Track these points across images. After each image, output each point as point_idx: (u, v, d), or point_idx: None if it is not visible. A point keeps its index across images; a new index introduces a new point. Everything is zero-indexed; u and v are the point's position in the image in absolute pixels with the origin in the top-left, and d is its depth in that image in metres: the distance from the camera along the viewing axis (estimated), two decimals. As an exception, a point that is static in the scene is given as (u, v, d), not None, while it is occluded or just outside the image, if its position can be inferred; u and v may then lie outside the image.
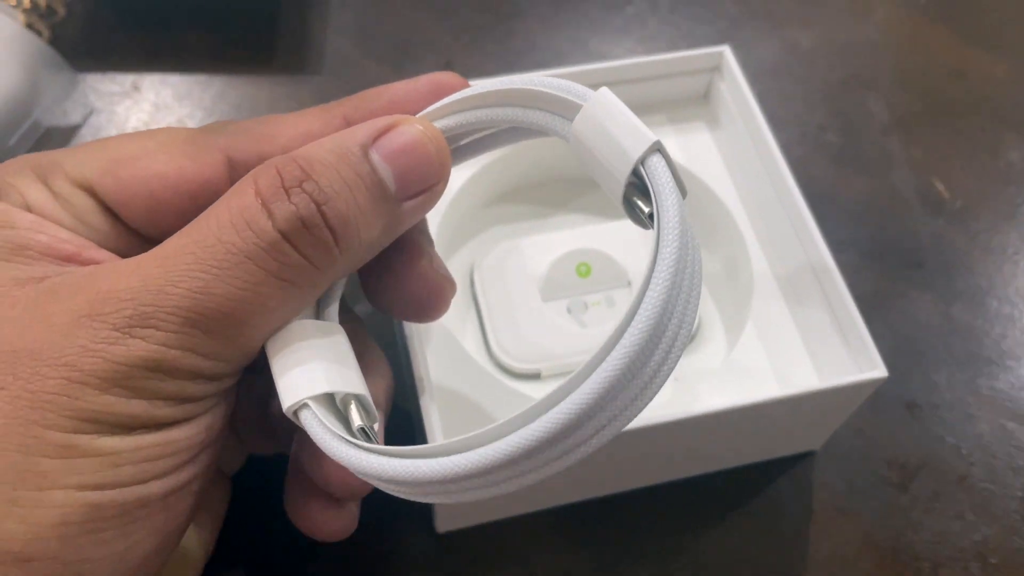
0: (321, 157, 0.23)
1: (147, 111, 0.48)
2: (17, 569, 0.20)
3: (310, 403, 0.23)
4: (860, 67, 0.52)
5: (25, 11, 0.50)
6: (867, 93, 0.51)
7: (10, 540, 0.20)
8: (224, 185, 0.25)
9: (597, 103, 0.23)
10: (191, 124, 0.47)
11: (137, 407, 0.21)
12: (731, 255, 0.39)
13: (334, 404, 0.24)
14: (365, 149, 0.24)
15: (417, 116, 0.26)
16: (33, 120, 0.44)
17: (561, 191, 0.42)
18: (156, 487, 0.22)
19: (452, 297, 0.29)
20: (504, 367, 0.36)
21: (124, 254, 0.25)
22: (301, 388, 0.23)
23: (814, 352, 0.35)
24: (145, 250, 0.23)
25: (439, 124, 0.26)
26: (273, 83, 0.50)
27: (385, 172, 0.24)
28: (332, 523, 0.29)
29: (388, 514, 0.36)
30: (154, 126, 0.47)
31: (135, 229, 0.26)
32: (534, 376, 0.36)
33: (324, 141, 0.24)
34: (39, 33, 0.49)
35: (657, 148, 0.22)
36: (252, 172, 0.23)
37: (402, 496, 0.23)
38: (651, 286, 0.20)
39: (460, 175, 0.38)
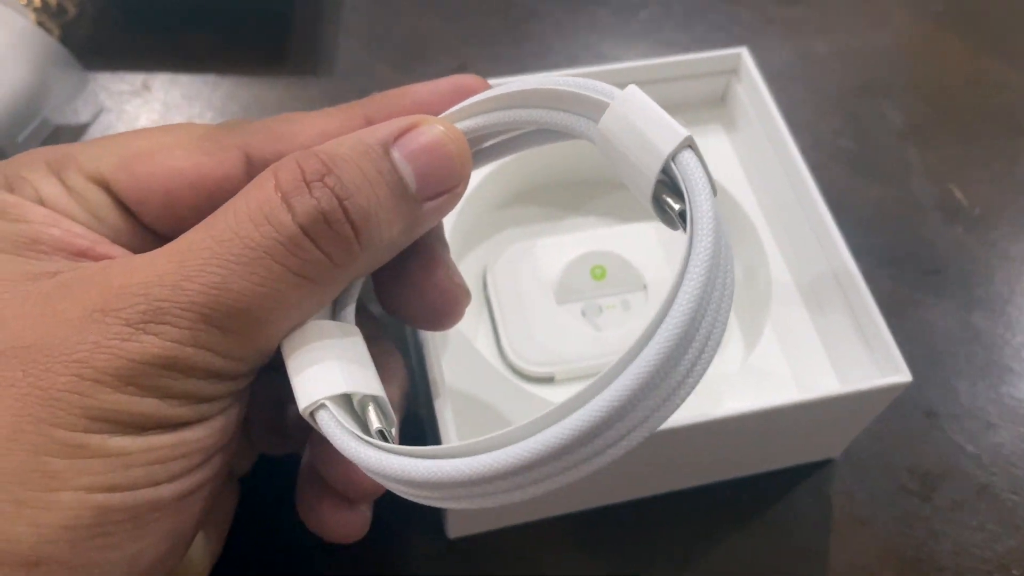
0: (342, 153, 0.23)
1: (157, 111, 0.47)
2: (25, 573, 0.20)
3: (327, 403, 0.22)
4: (875, 74, 0.52)
5: (36, 10, 0.50)
6: (883, 100, 0.50)
7: (18, 543, 0.20)
8: (242, 183, 0.24)
9: (626, 100, 0.23)
10: (201, 124, 0.47)
11: (150, 406, 0.21)
12: (749, 259, 0.38)
13: (351, 406, 0.23)
14: (386, 147, 0.24)
15: (438, 117, 0.26)
16: (42, 118, 0.44)
17: (575, 193, 0.42)
18: (168, 490, 0.22)
19: (467, 306, 0.28)
20: (517, 370, 0.36)
21: (138, 251, 0.24)
22: (318, 388, 0.22)
23: (835, 357, 0.34)
24: (159, 247, 0.23)
25: (460, 126, 0.26)
26: (283, 85, 0.49)
27: (406, 171, 0.24)
28: (345, 525, 0.28)
29: (398, 519, 0.35)
30: (164, 125, 0.47)
31: (149, 226, 0.26)
32: (547, 380, 0.36)
33: (344, 139, 0.24)
34: (49, 32, 0.49)
35: (689, 144, 0.22)
36: (272, 166, 0.23)
37: (420, 500, 0.22)
38: (686, 280, 0.20)
39: (473, 176, 0.37)
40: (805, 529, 0.36)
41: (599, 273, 0.37)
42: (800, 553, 0.36)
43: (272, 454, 0.32)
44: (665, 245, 0.38)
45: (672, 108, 0.40)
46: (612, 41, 0.53)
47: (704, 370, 0.20)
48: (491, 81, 0.27)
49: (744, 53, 0.40)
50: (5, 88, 0.42)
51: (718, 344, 0.21)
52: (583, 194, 0.42)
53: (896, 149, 0.48)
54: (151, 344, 0.20)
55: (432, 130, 0.24)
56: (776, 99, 0.38)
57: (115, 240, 0.25)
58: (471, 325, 0.37)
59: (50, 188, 0.24)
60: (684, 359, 0.20)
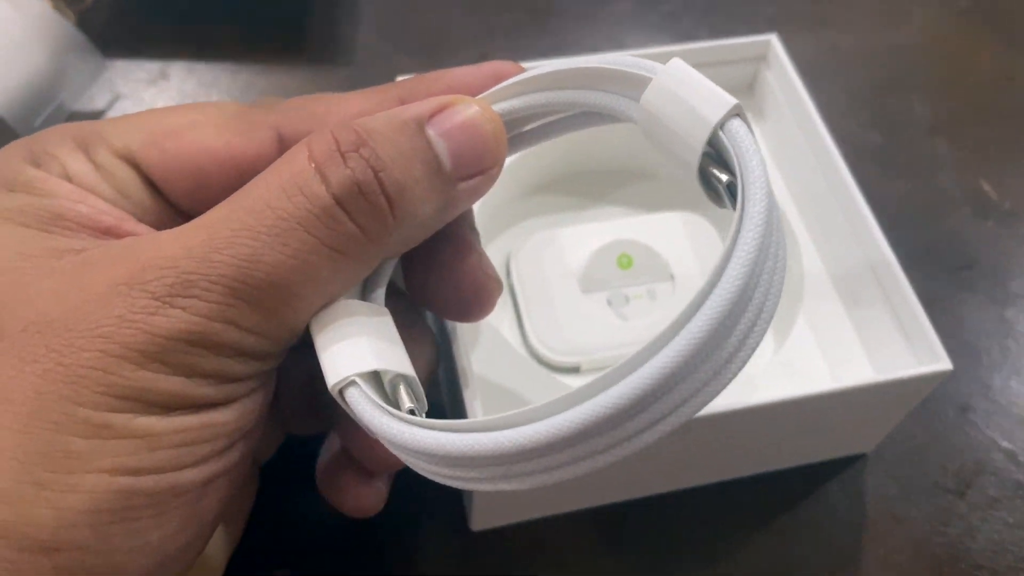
0: (377, 127, 0.22)
1: (174, 99, 0.47)
2: (45, 558, 0.19)
3: (358, 380, 0.21)
4: (901, 69, 0.51)
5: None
6: (909, 95, 0.50)
7: (38, 527, 0.19)
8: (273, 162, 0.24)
9: (670, 73, 0.22)
10: (219, 113, 0.46)
11: (176, 384, 0.20)
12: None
13: (381, 385, 0.22)
14: (421, 123, 0.23)
15: (475, 98, 0.25)
16: (58, 103, 0.43)
17: (600, 183, 0.41)
18: (192, 474, 0.21)
19: (498, 298, 0.28)
20: (543, 360, 0.35)
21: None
22: (348, 364, 0.22)
23: (871, 348, 0.34)
24: None
25: (496, 108, 0.25)
26: (302, 74, 0.49)
27: (441, 148, 0.23)
28: (363, 498, 0.28)
29: (422, 512, 0.35)
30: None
31: (177, 205, 0.25)
32: (574, 370, 0.35)
33: (379, 115, 0.23)
34: (66, 18, 0.48)
35: (737, 112, 0.21)
36: (306, 139, 0.22)
37: (450, 482, 0.21)
38: (738, 246, 0.19)
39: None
40: (837, 527, 0.35)
41: (626, 262, 0.37)
42: (832, 551, 0.35)
43: (302, 435, 0.32)
44: (692, 236, 0.38)
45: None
46: (634, 33, 0.52)
47: (757, 342, 0.19)
48: (529, 65, 0.27)
49: (774, 40, 0.39)
50: (22, 73, 0.42)
51: (771, 317, 0.20)
52: (608, 184, 0.41)
53: (924, 143, 0.48)
54: (178, 319, 0.20)
55: (468, 109, 0.24)
56: (807, 95, 0.37)
57: (142, 219, 0.24)
58: (494, 314, 0.36)
59: (77, 164, 0.24)
60: (737, 328, 0.19)
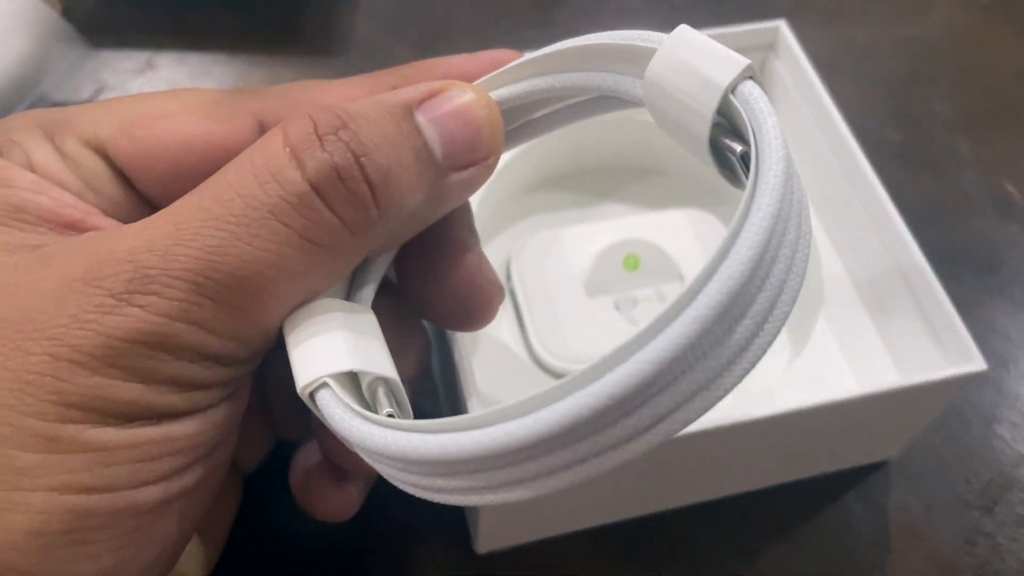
0: (361, 111, 0.20)
1: (161, 89, 0.45)
2: None
3: (330, 382, 0.19)
4: (921, 65, 0.49)
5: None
6: (930, 91, 0.48)
7: None
8: None
9: (675, 41, 0.20)
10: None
11: (134, 392, 0.18)
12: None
13: (359, 389, 0.21)
14: (410, 109, 0.21)
15: (470, 84, 0.23)
16: (40, 93, 0.42)
17: (606, 180, 0.39)
18: (152, 493, 0.19)
19: (499, 304, 0.26)
20: (547, 367, 0.33)
21: None
22: (320, 364, 0.20)
23: (896, 352, 0.32)
24: None
25: (494, 95, 0.24)
26: (297, 64, 0.47)
27: (431, 135, 0.21)
28: (334, 503, 0.27)
29: (424, 534, 0.33)
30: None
31: (150, 198, 0.23)
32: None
33: (364, 100, 0.21)
34: (51, 5, 0.47)
35: (750, 73, 0.19)
36: (282, 123, 0.20)
37: (429, 495, 0.19)
38: (752, 212, 0.17)
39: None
40: (858, 543, 0.34)
41: (632, 263, 0.35)
42: (853, 568, 0.33)
43: (292, 439, 0.30)
44: (702, 235, 0.36)
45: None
46: (643, 26, 0.50)
47: (779, 325, 0.17)
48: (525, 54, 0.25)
49: (782, 26, 0.37)
50: (4, 60, 0.41)
51: (794, 298, 0.17)
52: (614, 180, 0.39)
53: (945, 142, 0.46)
54: (136, 318, 0.18)
55: (462, 95, 0.22)
56: (821, 84, 0.35)
57: (112, 213, 0.23)
58: (495, 319, 0.34)
59: (42, 153, 0.22)
60: (753, 308, 0.17)
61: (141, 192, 0.23)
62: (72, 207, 0.22)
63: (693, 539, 0.34)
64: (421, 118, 0.21)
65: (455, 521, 0.33)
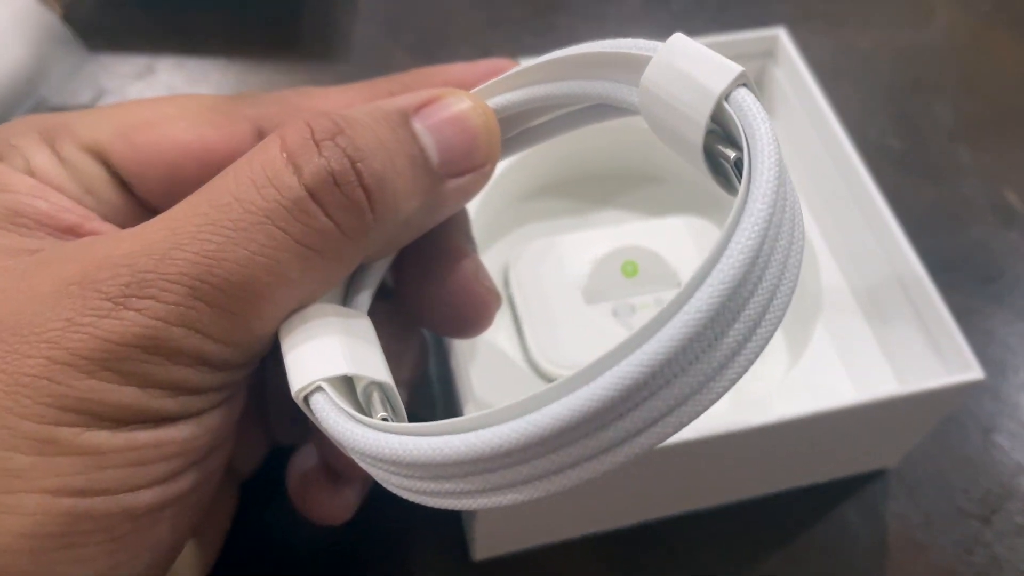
0: (358, 117, 0.20)
1: (160, 94, 0.45)
2: None
3: (324, 386, 0.19)
4: (922, 71, 0.49)
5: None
6: (931, 98, 0.48)
7: None
8: None
9: (670, 49, 0.20)
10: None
11: (129, 396, 0.18)
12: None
13: (354, 394, 0.20)
14: (406, 115, 0.21)
15: (467, 92, 0.23)
16: (40, 97, 0.42)
17: (604, 187, 0.39)
18: (147, 497, 0.19)
19: (496, 312, 0.26)
20: (545, 374, 0.33)
21: None
22: (315, 368, 0.20)
23: (895, 360, 0.32)
24: None
25: (491, 103, 0.24)
26: (296, 69, 0.47)
27: (428, 142, 0.21)
28: (329, 507, 0.27)
29: (420, 541, 0.33)
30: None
31: (148, 203, 0.23)
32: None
33: (361, 106, 0.22)
34: (51, 10, 0.47)
35: (743, 80, 0.19)
36: (279, 129, 0.20)
37: (429, 501, 0.19)
38: (744, 216, 0.17)
39: (496, 167, 0.35)
40: (855, 552, 0.34)
41: (631, 270, 0.35)
42: (850, 577, 0.33)
43: (288, 444, 0.30)
44: (700, 242, 0.36)
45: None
46: (642, 32, 0.50)
47: (773, 328, 0.17)
48: (522, 63, 0.25)
49: (781, 34, 0.37)
50: (3, 65, 0.40)
51: (787, 302, 0.17)
52: (612, 187, 0.39)
53: (946, 149, 0.46)
54: (132, 322, 0.18)
55: (459, 103, 0.22)
56: (820, 92, 0.35)
57: (110, 217, 0.23)
58: (492, 326, 0.34)
59: (41, 158, 0.22)
60: (746, 311, 0.16)
61: (139, 197, 0.23)
62: (70, 211, 0.22)
63: (691, 547, 0.33)
64: (418, 125, 0.21)
65: (452, 527, 0.33)
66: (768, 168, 0.17)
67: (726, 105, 0.19)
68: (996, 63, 0.50)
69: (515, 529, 0.32)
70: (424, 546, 0.33)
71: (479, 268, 0.25)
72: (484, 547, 0.32)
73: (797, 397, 0.32)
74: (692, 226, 0.36)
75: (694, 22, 0.50)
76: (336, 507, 0.28)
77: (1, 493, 0.17)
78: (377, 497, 0.28)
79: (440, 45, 0.48)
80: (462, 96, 0.22)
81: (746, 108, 0.18)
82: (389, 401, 0.20)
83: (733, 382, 0.17)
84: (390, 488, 0.19)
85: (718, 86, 0.19)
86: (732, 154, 0.19)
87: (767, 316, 0.17)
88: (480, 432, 0.17)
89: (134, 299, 0.18)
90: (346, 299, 0.23)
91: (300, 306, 0.21)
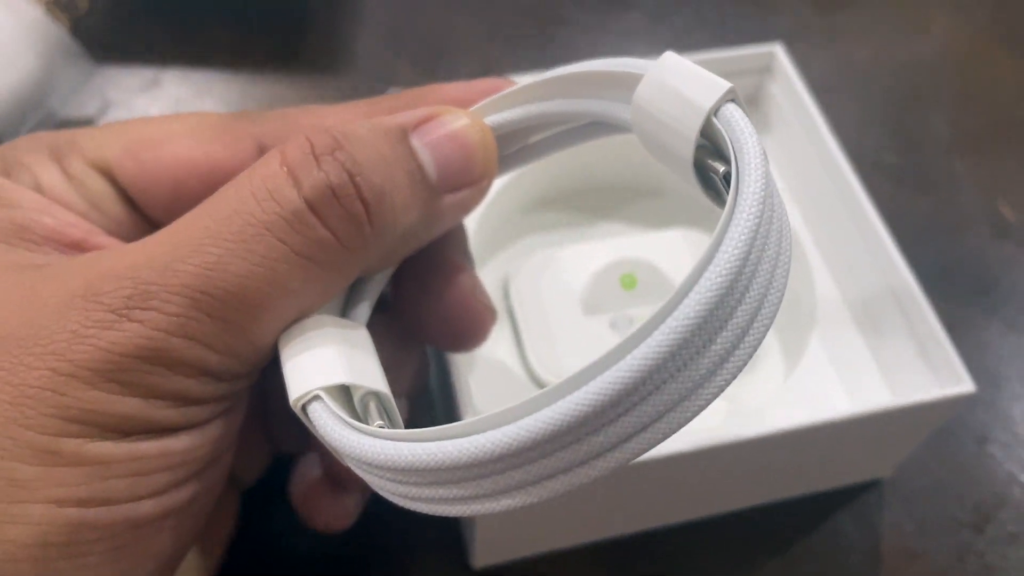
0: (357, 132, 0.21)
1: (167, 106, 0.46)
2: None
3: (322, 395, 0.20)
4: (920, 85, 0.49)
5: (47, 4, 0.48)
6: (928, 111, 0.48)
7: None
8: None
9: (661, 66, 0.20)
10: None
11: (132, 407, 0.19)
12: (790, 272, 0.36)
13: (351, 403, 0.21)
14: (405, 132, 0.22)
15: (465, 110, 0.24)
16: (47, 111, 0.42)
17: (602, 199, 0.39)
18: (149, 507, 0.19)
19: (492, 326, 0.27)
20: (544, 385, 0.33)
21: None
22: (313, 377, 0.20)
23: (888, 372, 0.32)
24: None
25: (488, 121, 0.24)
26: (300, 82, 0.47)
27: (426, 158, 0.22)
28: (330, 514, 0.28)
29: (420, 549, 0.33)
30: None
31: (153, 219, 0.24)
32: (575, 396, 0.33)
33: (361, 122, 0.22)
34: (59, 22, 0.47)
35: (732, 96, 0.19)
36: (280, 145, 0.21)
37: (421, 508, 0.19)
38: (732, 226, 0.17)
39: (495, 180, 0.36)
40: (850, 560, 0.34)
41: (629, 282, 0.35)
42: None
43: (290, 453, 0.30)
44: (697, 255, 0.36)
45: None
46: (642, 47, 0.50)
47: (759, 339, 0.17)
48: (519, 79, 0.25)
49: (778, 50, 0.38)
50: (10, 79, 0.41)
51: (775, 311, 0.18)
52: (610, 200, 0.39)
53: (942, 162, 0.46)
54: (135, 333, 0.18)
55: (457, 120, 0.22)
56: (816, 108, 0.36)
57: (115, 233, 0.23)
58: (492, 337, 0.35)
59: (49, 174, 0.23)
60: (735, 316, 0.17)
61: (145, 212, 0.24)
62: (75, 227, 0.22)
63: (688, 556, 0.34)
64: (416, 141, 0.22)
65: (452, 535, 0.33)
66: (755, 180, 0.17)
67: (715, 120, 0.19)
68: (992, 76, 0.50)
69: (514, 537, 0.32)
70: (424, 554, 0.33)
71: (476, 284, 0.26)
72: (484, 555, 0.32)
73: (792, 408, 0.32)
74: (690, 239, 0.36)
75: (694, 37, 0.51)
76: (337, 514, 0.28)
77: (7, 503, 0.17)
78: (378, 506, 0.28)
79: (442, 58, 0.49)
80: (460, 114, 0.23)
81: (734, 123, 0.19)
82: (386, 411, 0.21)
83: (722, 388, 0.17)
84: (386, 495, 0.19)
85: (707, 102, 0.19)
86: (721, 168, 0.19)
87: (755, 325, 0.17)
88: (473, 437, 0.17)
89: (137, 310, 0.18)
90: (345, 311, 0.24)
91: (299, 317, 0.21)
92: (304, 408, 0.20)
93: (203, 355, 0.19)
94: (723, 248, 0.17)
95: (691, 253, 0.36)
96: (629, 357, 0.16)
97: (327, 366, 0.20)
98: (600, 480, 0.17)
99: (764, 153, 0.18)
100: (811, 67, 0.49)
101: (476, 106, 0.24)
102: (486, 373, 0.32)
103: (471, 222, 0.34)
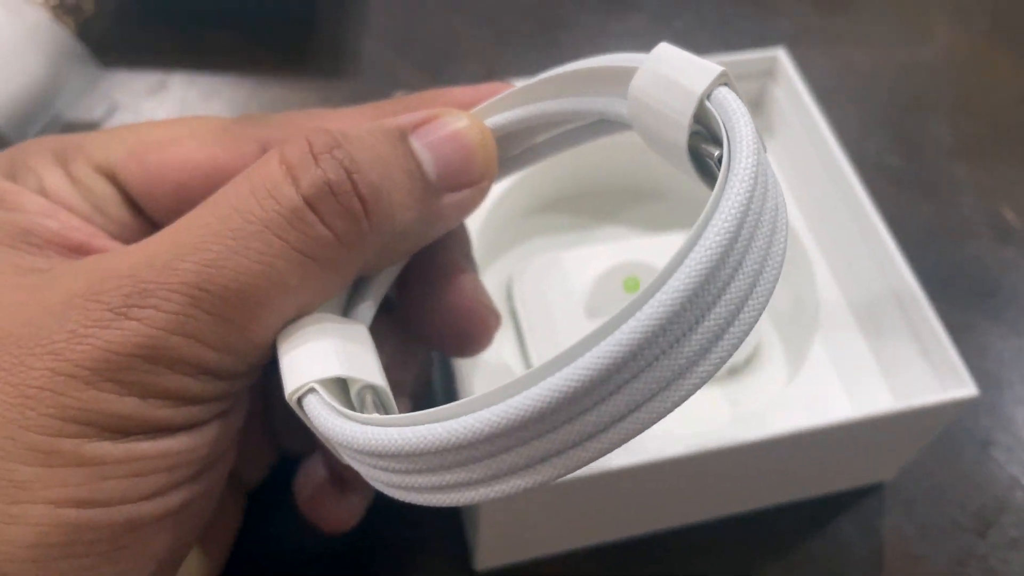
0: (356, 133, 0.21)
1: (174, 110, 0.46)
2: None
3: (317, 387, 0.20)
4: (921, 89, 0.49)
5: (53, 8, 0.48)
6: (930, 116, 0.48)
7: None
8: None
9: (654, 57, 0.20)
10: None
11: (130, 406, 0.18)
12: (793, 274, 0.36)
13: (347, 396, 0.21)
14: (404, 133, 0.22)
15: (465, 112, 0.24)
16: (54, 113, 0.42)
17: (606, 203, 0.39)
18: (149, 507, 0.19)
19: (496, 330, 0.26)
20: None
21: None
22: (308, 370, 0.20)
23: (891, 376, 0.33)
24: None
25: (489, 122, 0.24)
26: (305, 86, 0.47)
27: (425, 158, 0.22)
28: (334, 514, 0.28)
29: (424, 551, 0.33)
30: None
31: (157, 222, 0.24)
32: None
33: (361, 125, 0.22)
34: (65, 26, 0.47)
35: (724, 80, 0.19)
36: (279, 145, 0.21)
37: (417, 499, 0.19)
38: (724, 199, 0.17)
39: (499, 184, 0.36)
40: (851, 564, 0.34)
41: (633, 285, 0.35)
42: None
43: (295, 453, 0.30)
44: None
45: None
46: (644, 49, 0.50)
47: (755, 317, 0.17)
48: (523, 83, 0.25)
49: (781, 54, 0.38)
50: (18, 82, 0.41)
51: (771, 289, 0.17)
52: (614, 203, 0.39)
53: (945, 167, 0.46)
54: (133, 331, 0.18)
55: (457, 122, 0.23)
56: (819, 112, 0.36)
57: (119, 236, 0.23)
58: (496, 340, 0.35)
59: (53, 178, 0.23)
60: (728, 292, 0.16)
61: (149, 216, 0.24)
62: (78, 230, 0.22)
63: (690, 559, 0.34)
64: (416, 142, 0.22)
65: (455, 537, 0.33)
66: (747, 155, 0.17)
67: (708, 104, 0.19)
68: (994, 81, 0.50)
69: (517, 539, 0.32)
70: (427, 556, 0.33)
71: (479, 288, 0.26)
72: (486, 557, 0.32)
73: (795, 412, 0.32)
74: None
75: (695, 39, 0.51)
76: (341, 515, 0.28)
77: (7, 503, 0.17)
78: (382, 507, 0.29)
79: (447, 62, 0.49)
80: (460, 115, 0.23)
81: (727, 105, 0.19)
82: (383, 404, 0.21)
83: (717, 367, 0.17)
84: (380, 488, 0.19)
85: (699, 86, 0.19)
86: (716, 152, 0.19)
87: (750, 302, 0.17)
88: (463, 419, 0.17)
89: (135, 309, 0.18)
90: (347, 312, 0.24)
91: (298, 315, 0.21)
92: (299, 401, 0.20)
93: (202, 353, 0.19)
94: (714, 220, 0.16)
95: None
96: (618, 332, 0.16)
97: (322, 359, 0.20)
98: (595, 461, 0.17)
99: (756, 131, 0.18)
100: (813, 70, 0.49)
101: (476, 108, 0.24)
102: (490, 376, 0.32)
103: (474, 225, 0.34)
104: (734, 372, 0.35)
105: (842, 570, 0.34)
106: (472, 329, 0.26)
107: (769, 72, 0.38)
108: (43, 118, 0.42)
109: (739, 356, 0.35)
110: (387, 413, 0.21)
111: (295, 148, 0.20)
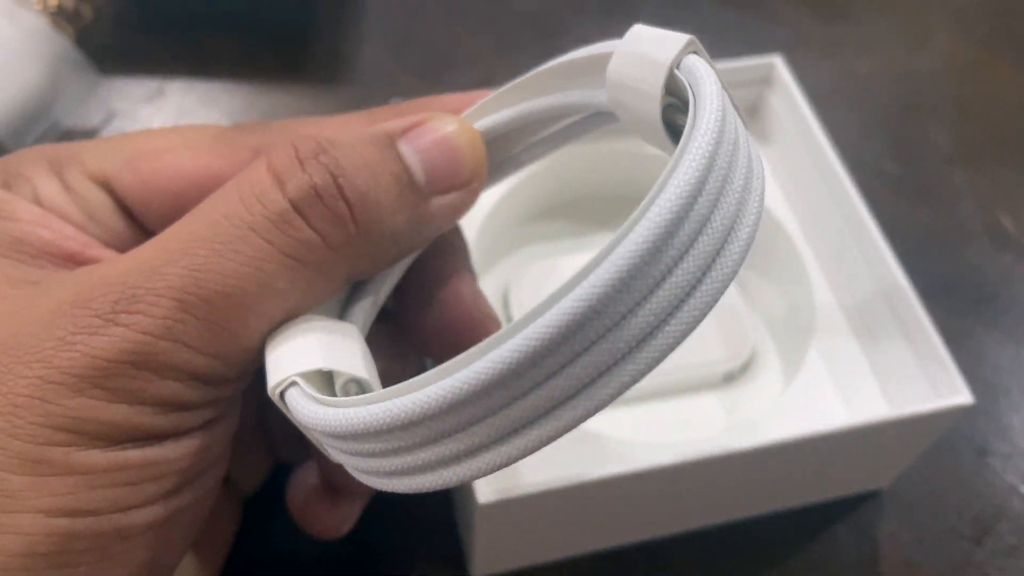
0: (342, 139, 0.21)
1: (171, 117, 0.46)
2: None
3: (299, 380, 0.19)
4: (920, 96, 0.49)
5: (51, 15, 0.48)
6: (928, 122, 0.48)
7: None
8: None
9: (628, 39, 0.20)
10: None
11: (120, 413, 0.18)
12: (789, 281, 0.36)
13: (333, 392, 0.20)
14: (392, 138, 0.22)
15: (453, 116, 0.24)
16: (51, 120, 0.42)
17: (603, 209, 0.39)
18: (138, 517, 0.19)
19: None
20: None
21: None
22: (291, 363, 0.20)
23: (885, 383, 0.32)
24: None
25: (477, 125, 0.24)
26: (304, 93, 0.47)
27: (413, 161, 0.22)
28: (328, 518, 0.28)
29: (420, 558, 0.33)
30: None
31: (152, 232, 0.24)
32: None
33: (350, 131, 0.22)
34: (63, 33, 0.47)
35: (693, 48, 0.19)
36: (267, 151, 0.21)
37: (398, 485, 0.18)
38: (691, 141, 0.16)
39: (496, 190, 0.36)
40: (850, 572, 0.34)
41: (628, 292, 0.35)
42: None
43: (291, 462, 0.30)
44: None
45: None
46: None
47: (731, 272, 0.16)
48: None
49: (777, 62, 0.38)
50: (16, 89, 0.41)
51: (747, 244, 0.17)
52: (611, 209, 0.39)
53: (942, 173, 0.46)
54: (121, 338, 0.18)
55: (444, 125, 0.23)
56: (815, 118, 0.36)
57: (115, 245, 0.23)
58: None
59: (48, 187, 0.23)
60: (698, 244, 0.16)
61: (144, 225, 0.24)
62: (72, 239, 0.22)
63: (687, 566, 0.34)
64: (404, 147, 0.22)
65: (451, 544, 0.33)
66: (711, 111, 0.17)
67: (678, 73, 0.19)
68: (992, 87, 0.50)
69: (513, 546, 0.32)
70: (423, 563, 0.33)
71: (479, 295, 0.26)
72: (482, 564, 0.32)
73: (790, 419, 0.32)
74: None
75: (695, 47, 0.51)
76: (334, 521, 0.28)
77: None
78: (378, 514, 0.29)
79: (445, 69, 0.49)
80: (448, 119, 0.23)
81: (695, 71, 0.18)
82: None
83: (691, 327, 0.16)
84: (363, 478, 0.19)
85: (668, 56, 0.19)
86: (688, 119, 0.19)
87: (721, 259, 0.16)
88: (428, 388, 0.16)
89: (123, 315, 0.18)
90: (341, 314, 0.24)
91: (287, 319, 0.21)
92: (282, 395, 0.20)
93: (191, 358, 0.19)
94: (677, 171, 0.16)
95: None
96: (579, 287, 0.15)
97: (304, 353, 0.20)
98: (570, 430, 0.16)
99: (723, 88, 0.18)
100: (811, 77, 0.49)
101: (465, 112, 0.24)
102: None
103: (471, 232, 0.34)
104: (730, 379, 0.35)
105: (837, 577, 0.34)
106: (472, 336, 0.26)
107: (766, 79, 0.38)
108: (41, 125, 0.42)
109: (735, 363, 0.35)
110: None
111: (282, 154, 0.20)
